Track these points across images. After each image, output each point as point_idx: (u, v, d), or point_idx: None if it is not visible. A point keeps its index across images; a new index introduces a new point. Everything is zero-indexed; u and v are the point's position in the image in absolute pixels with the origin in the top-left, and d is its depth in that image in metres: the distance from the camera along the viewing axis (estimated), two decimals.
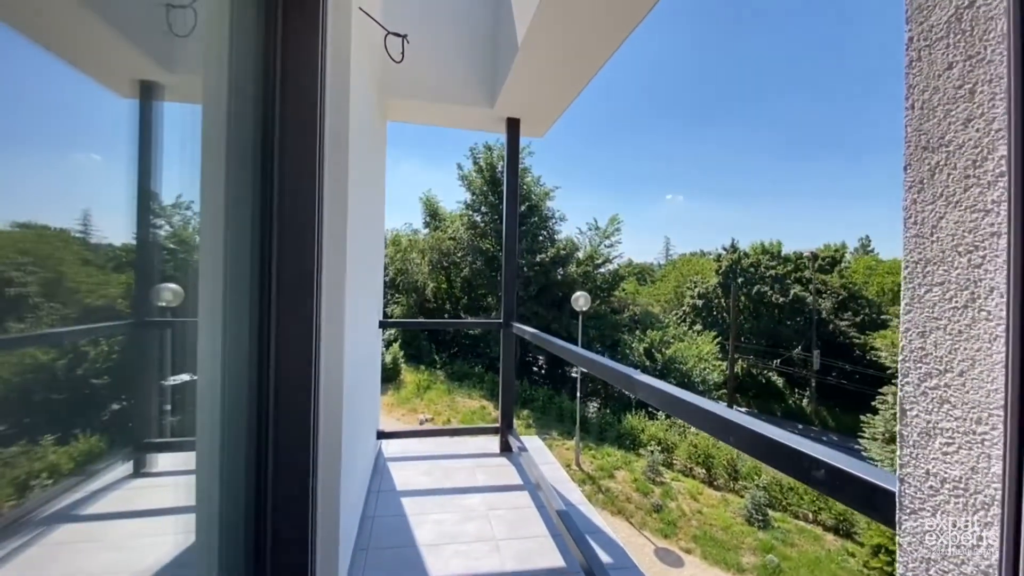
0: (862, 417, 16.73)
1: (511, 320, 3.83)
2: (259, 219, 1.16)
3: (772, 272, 32.08)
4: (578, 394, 15.21)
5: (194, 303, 1.04)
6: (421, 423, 15.87)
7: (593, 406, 20.92)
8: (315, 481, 1.23)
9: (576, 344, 14.94)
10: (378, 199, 3.57)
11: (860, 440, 17.21)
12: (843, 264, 33.57)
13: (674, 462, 13.83)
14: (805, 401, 32.60)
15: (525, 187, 21.48)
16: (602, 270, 21.59)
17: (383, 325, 3.92)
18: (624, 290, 26.06)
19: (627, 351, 19.05)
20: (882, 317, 30.81)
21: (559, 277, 19.08)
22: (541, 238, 21.09)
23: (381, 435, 3.80)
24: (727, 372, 21.62)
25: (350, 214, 1.93)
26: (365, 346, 3.00)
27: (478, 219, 22.54)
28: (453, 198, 51.45)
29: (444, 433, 4.03)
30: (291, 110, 1.19)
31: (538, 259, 18.80)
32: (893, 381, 16.24)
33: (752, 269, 33.18)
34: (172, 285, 1.05)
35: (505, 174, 3.93)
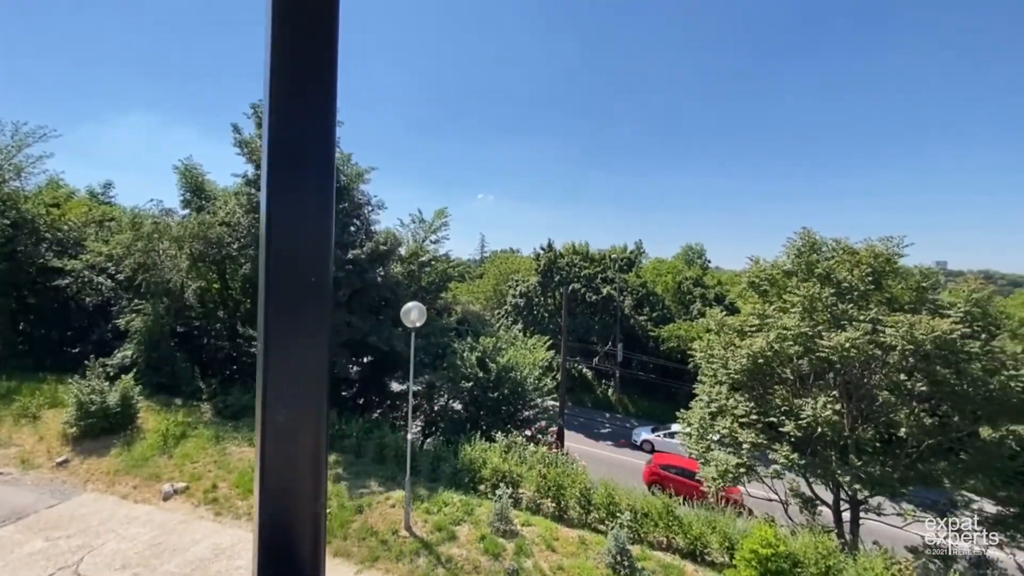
0: (678, 413, 17.45)
1: None
2: None
3: (585, 272, 33.61)
4: (409, 427, 12.03)
5: None
6: (166, 497, 10.64)
7: (416, 427, 17.92)
8: None
9: (408, 364, 11.66)
10: None
11: (675, 436, 18.00)
12: (638, 265, 37.34)
13: (521, 496, 11.79)
14: (611, 391, 35.25)
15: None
16: (428, 269, 18.66)
17: None
18: (450, 290, 23.63)
19: (458, 361, 16.52)
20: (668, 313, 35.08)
21: (378, 278, 15.46)
22: (354, 229, 17.09)
23: None
24: (558, 376, 20.94)
25: None
26: None
27: None
28: (229, 170, 41.62)
29: None
30: None
31: (351, 255, 14.88)
32: (700, 379, 17.22)
33: (567, 268, 34.33)
34: None
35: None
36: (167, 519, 9.97)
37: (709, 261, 65.02)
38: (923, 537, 13.51)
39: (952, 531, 13.07)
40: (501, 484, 11.02)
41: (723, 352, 15.60)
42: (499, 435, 13.60)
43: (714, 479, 14.36)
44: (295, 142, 1.07)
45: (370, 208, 17.79)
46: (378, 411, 18.10)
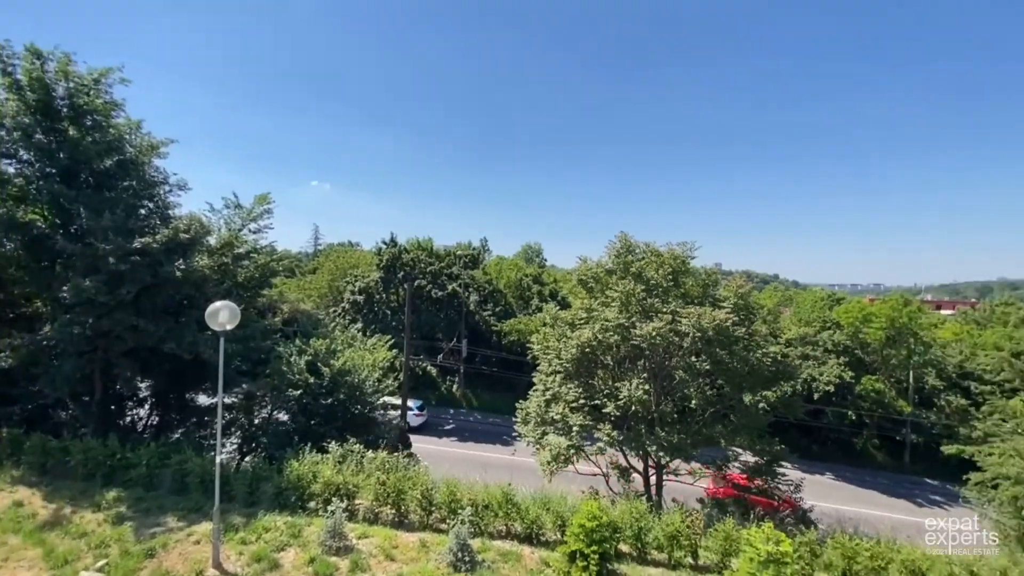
0: (518, 404, 18.27)
1: None
2: None
3: (431, 268, 33.24)
4: (219, 447, 10.29)
5: None
6: None
7: (230, 445, 15.57)
8: None
9: (217, 372, 9.87)
10: None
11: (515, 425, 18.79)
12: (483, 262, 38.37)
13: (357, 507, 11.03)
14: (456, 387, 35.57)
15: (113, 130, 13.87)
16: (246, 262, 16.32)
17: None
18: (276, 287, 21.16)
19: (284, 367, 14.80)
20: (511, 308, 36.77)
21: (178, 272, 12.96)
22: (145, 212, 14.09)
23: None
24: (401, 376, 20.26)
25: None
26: None
27: (12, 170, 13.31)
28: None
29: None
30: None
31: (139, 244, 12.16)
32: (537, 370, 18.35)
33: (412, 264, 33.55)
34: None
35: None
36: None
37: (546, 259, 69.99)
38: (706, 489, 16.41)
39: (726, 482, 16.14)
40: (334, 498, 10.14)
41: (557, 343, 16.82)
42: (333, 445, 12.54)
43: (548, 462, 15.40)
44: None
45: (168, 188, 14.79)
46: (180, 431, 15.27)
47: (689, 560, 10.17)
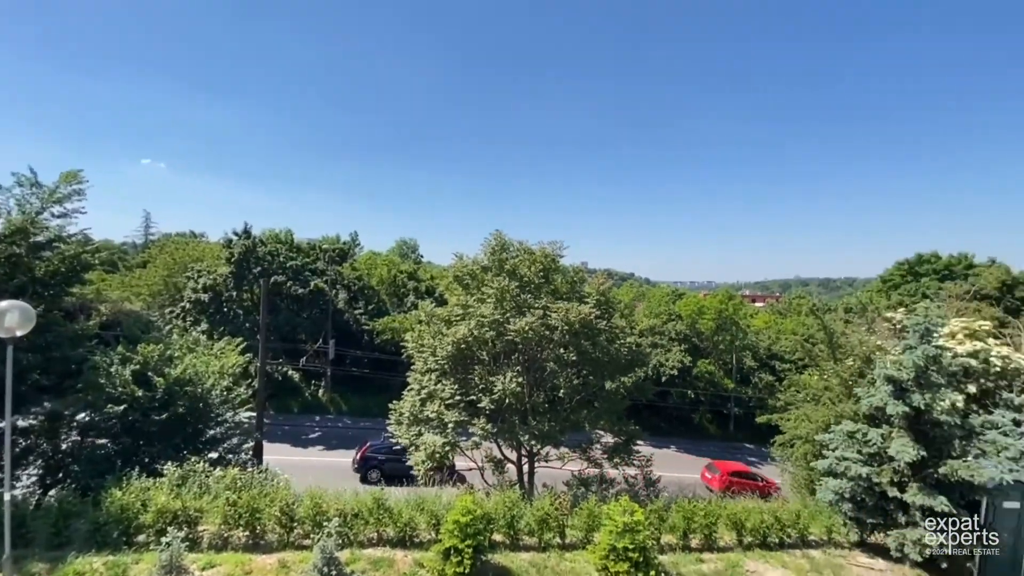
0: (391, 405, 17.64)
1: None
2: None
3: (292, 263, 30.45)
4: (8, 481, 8.26)
5: None
6: None
7: (27, 478, 12.64)
8: None
9: (5, 392, 7.78)
10: None
11: (388, 426, 18.11)
12: (353, 257, 36.31)
13: (202, 535, 9.69)
14: (322, 391, 33.16)
15: None
16: (47, 253, 13.34)
17: None
18: (91, 283, 17.70)
19: (102, 379, 12.43)
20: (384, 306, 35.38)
21: None
22: None
23: None
24: (255, 383, 18.26)
25: None
26: None
27: None
28: None
29: None
30: None
31: None
32: (413, 367, 17.96)
33: (269, 258, 30.39)
34: None
35: None
36: None
37: (422, 256, 68.82)
38: (572, 472, 17.57)
39: (590, 463, 17.47)
40: (171, 527, 8.76)
41: (432, 341, 16.61)
42: (170, 465, 10.84)
43: (423, 462, 15.14)
44: None
45: None
46: None
47: (557, 540, 10.77)
